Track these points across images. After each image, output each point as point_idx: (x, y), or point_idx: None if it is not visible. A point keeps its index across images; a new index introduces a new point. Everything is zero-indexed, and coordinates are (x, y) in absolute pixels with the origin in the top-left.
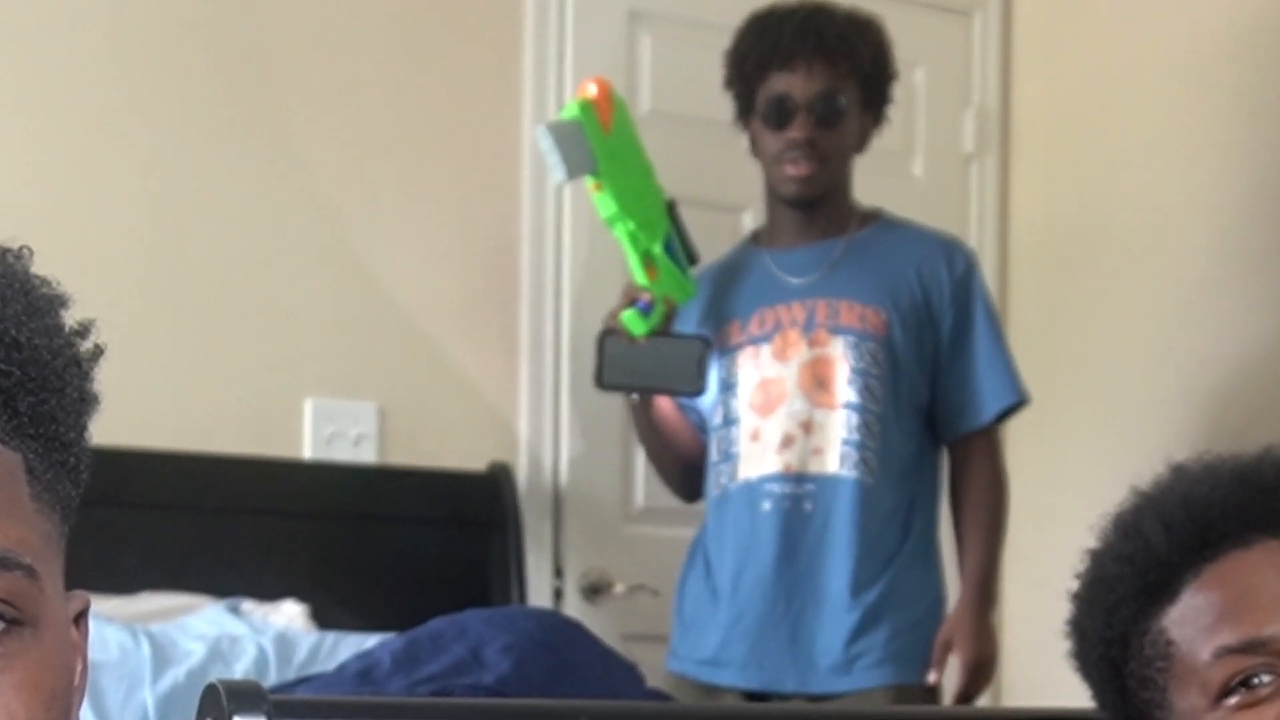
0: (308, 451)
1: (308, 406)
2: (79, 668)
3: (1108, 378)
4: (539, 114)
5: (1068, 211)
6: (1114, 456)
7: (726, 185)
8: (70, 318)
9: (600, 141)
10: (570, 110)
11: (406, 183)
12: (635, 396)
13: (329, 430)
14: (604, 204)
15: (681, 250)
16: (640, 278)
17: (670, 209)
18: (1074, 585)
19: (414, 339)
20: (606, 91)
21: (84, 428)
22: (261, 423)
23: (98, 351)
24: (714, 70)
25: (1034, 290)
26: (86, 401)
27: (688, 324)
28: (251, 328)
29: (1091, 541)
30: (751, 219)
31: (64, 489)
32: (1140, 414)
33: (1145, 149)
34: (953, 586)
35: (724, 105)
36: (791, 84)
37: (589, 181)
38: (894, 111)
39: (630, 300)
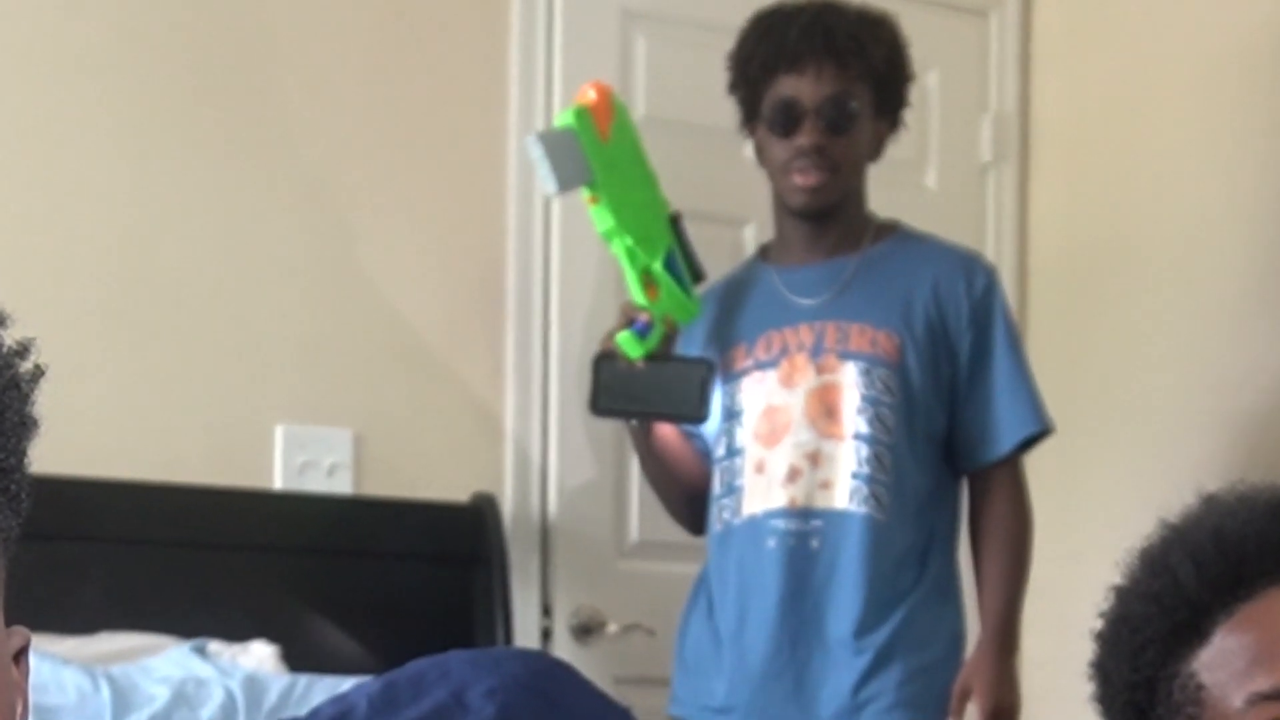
0: (278, 481)
1: (279, 433)
2: (19, 709)
3: (1136, 402)
4: (525, 123)
5: (1092, 224)
6: (1142, 486)
7: (728, 198)
8: (9, 336)
9: (597, 151)
10: (565, 118)
11: (383, 195)
12: (634, 422)
13: (301, 459)
14: (600, 218)
15: (685, 267)
16: (639, 296)
17: (674, 222)
18: (1098, 624)
19: (392, 361)
20: (606, 97)
21: (24, 453)
22: (229, 451)
23: (38, 372)
24: (715, 74)
25: (1055, 309)
26: (26, 425)
27: (690, 346)
28: (219, 348)
29: (1117, 578)
30: (754, 234)
31: (3, 518)
32: (1171, 441)
33: (1175, 156)
34: (973, 627)
35: (725, 111)
36: (799, 87)
37: (585, 194)
38: (907, 115)
39: (627, 320)
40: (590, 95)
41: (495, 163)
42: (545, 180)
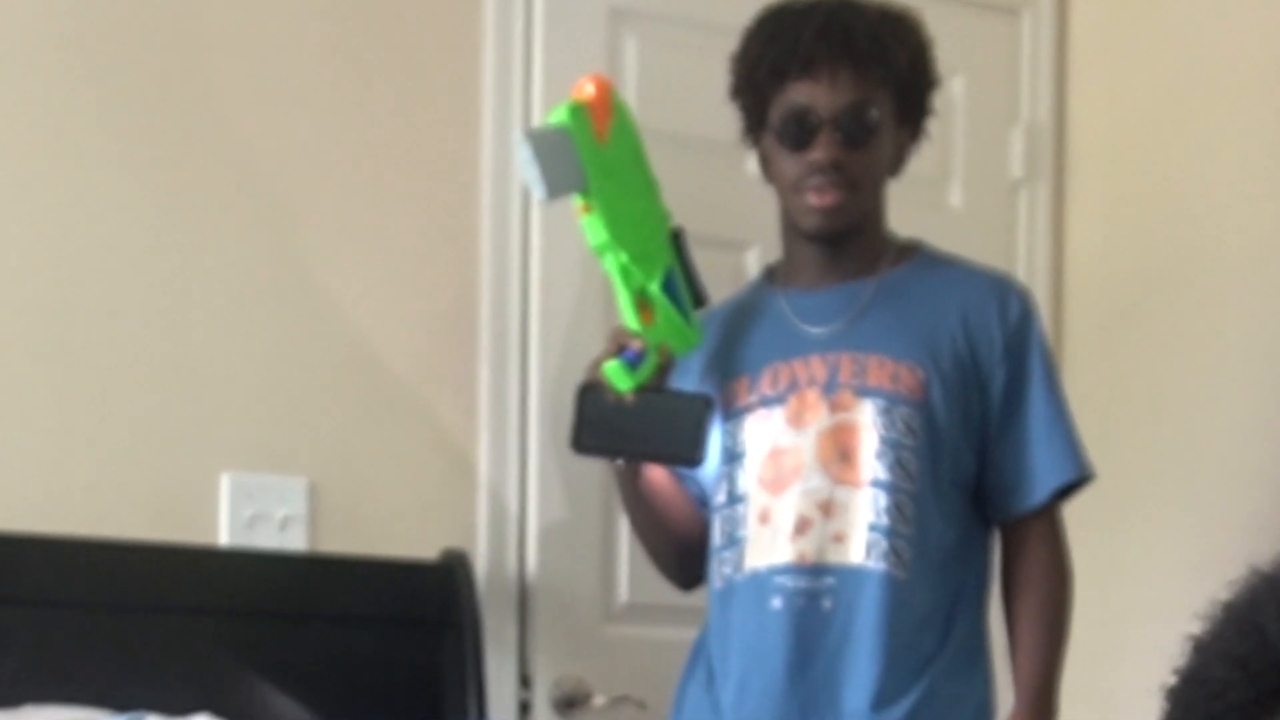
0: (224, 537)
1: (224, 483)
2: None
3: (1185, 445)
4: (501, 134)
5: (1134, 247)
6: (1193, 541)
7: (728, 218)
8: None
9: (593, 154)
10: (559, 115)
11: (341, 213)
12: (620, 462)
13: (250, 511)
14: (593, 229)
15: (686, 290)
16: (632, 321)
17: (676, 239)
18: (1170, 680)
19: (352, 402)
20: (605, 93)
21: None
22: (168, 502)
23: None
24: (715, 78)
25: (1094, 342)
26: None
27: (686, 379)
28: (156, 387)
29: (1194, 626)
30: (758, 259)
31: None
32: (1226, 488)
33: (1227, 172)
34: (1004, 696)
35: (726, 119)
36: (813, 94)
37: (577, 202)
38: (930, 126)
39: (617, 348)
40: (588, 90)
41: (467, 178)
42: (533, 185)
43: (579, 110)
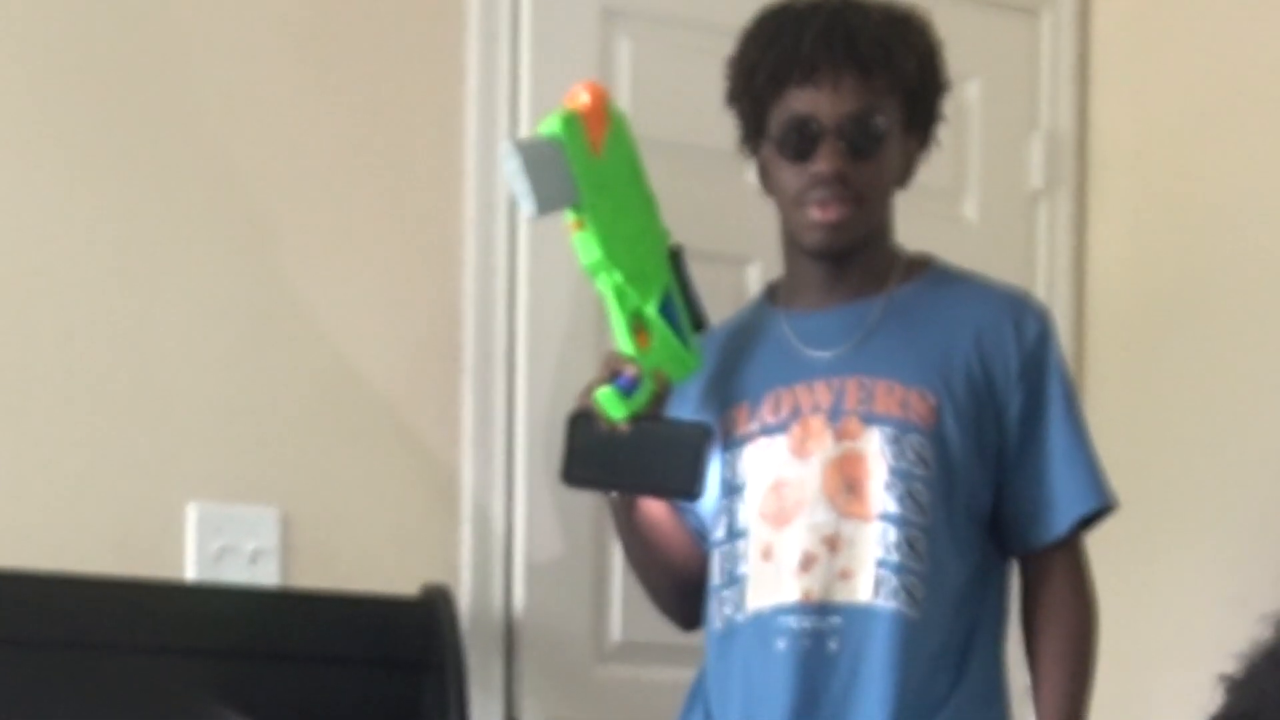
0: (191, 571)
1: (191, 513)
2: None
3: (1214, 473)
4: (485, 144)
5: (1161, 263)
6: (1226, 574)
7: (727, 232)
8: None
9: (586, 166)
10: (551, 125)
11: (314, 226)
12: (614, 494)
13: (218, 543)
14: (585, 247)
15: (684, 313)
16: (626, 345)
17: (675, 258)
18: None
19: (327, 428)
20: (601, 101)
21: None
22: (130, 534)
23: None
24: (713, 83)
25: (1118, 363)
26: None
27: (683, 407)
28: (118, 411)
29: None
30: (759, 275)
31: None
32: (1260, 520)
33: (1262, 182)
34: None
35: (725, 127)
36: (816, 102)
37: (568, 217)
38: (943, 133)
39: (611, 374)
40: (582, 98)
41: (449, 191)
42: (522, 199)
43: (572, 120)
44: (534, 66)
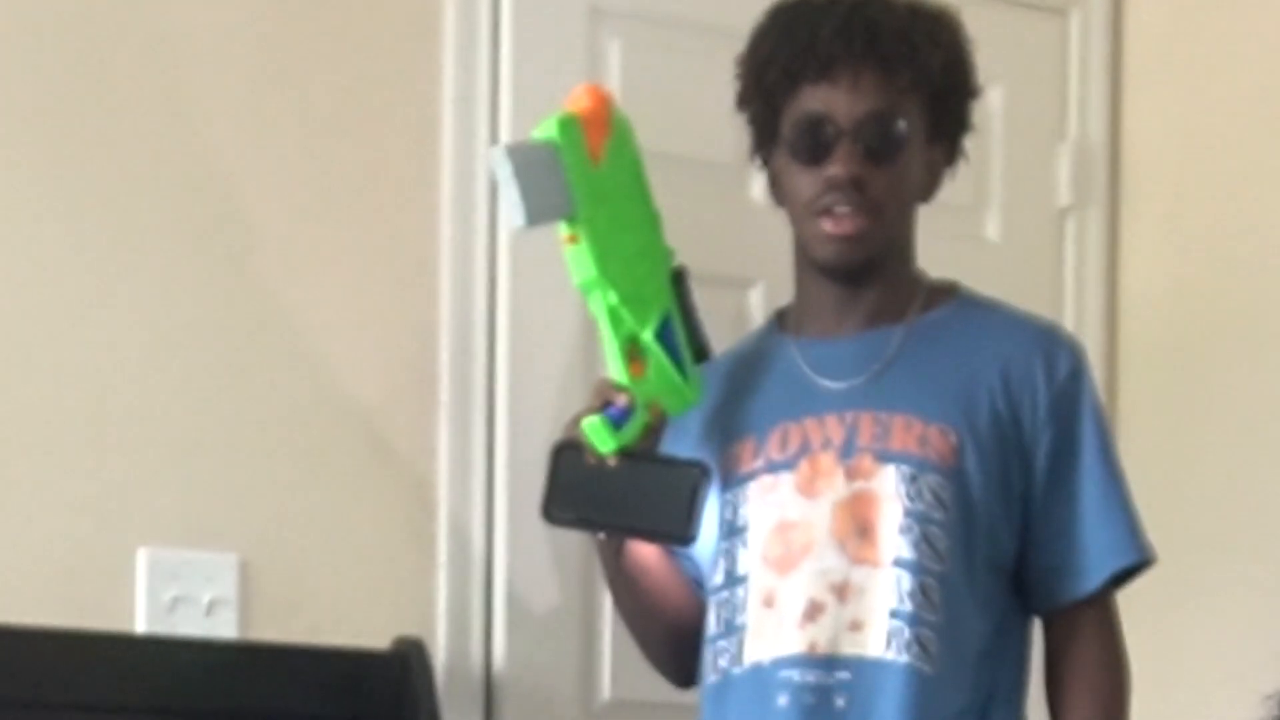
0: (141, 623)
1: (141, 560)
2: None
3: (1258, 522)
4: (463, 153)
5: (1200, 288)
6: (1269, 631)
7: (730, 250)
8: None
9: (584, 175)
10: (547, 128)
11: (275, 244)
12: (601, 535)
13: (171, 593)
14: (579, 264)
15: (685, 340)
16: (619, 373)
17: (677, 280)
18: None
19: (289, 466)
20: (603, 105)
21: None
22: (76, 583)
23: None
24: (713, 88)
25: (1154, 398)
26: None
27: (682, 440)
28: (62, 447)
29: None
30: (764, 299)
31: None
32: None
33: None
34: None
35: (726, 136)
36: (832, 100)
37: (562, 230)
38: (966, 146)
39: (601, 403)
40: (583, 101)
41: (423, 206)
42: (512, 209)
43: (570, 124)
44: (515, 71)
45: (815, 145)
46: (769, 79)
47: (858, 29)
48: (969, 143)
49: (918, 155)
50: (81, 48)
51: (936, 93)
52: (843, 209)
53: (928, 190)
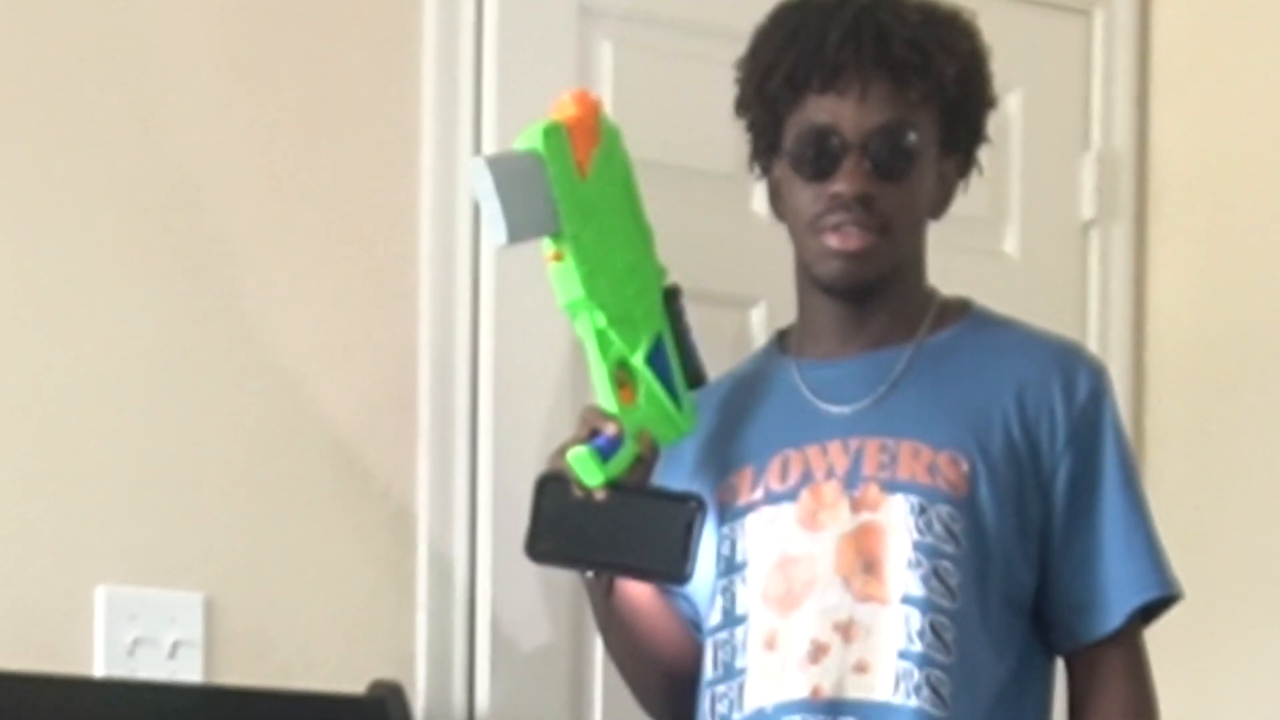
0: (100, 666)
1: (99, 599)
2: None
3: None
4: (443, 164)
5: (1232, 307)
6: None
7: (727, 268)
8: None
9: (570, 188)
10: (531, 137)
11: (242, 262)
12: (590, 574)
13: (132, 634)
14: (565, 283)
15: (678, 365)
16: (607, 400)
17: (669, 300)
18: None
19: (258, 499)
20: (591, 112)
21: None
22: (30, 623)
23: None
24: (711, 93)
25: (1183, 423)
26: None
27: (677, 473)
28: (14, 478)
29: None
30: (764, 318)
31: None
32: None
33: None
34: None
35: (725, 144)
36: (839, 112)
37: (547, 247)
38: (984, 157)
39: (589, 432)
40: (569, 109)
41: (401, 221)
42: (492, 224)
43: (556, 133)
44: (500, 76)
45: (821, 159)
46: (771, 86)
47: (867, 34)
48: (985, 153)
49: (930, 170)
50: (40, 51)
51: (951, 104)
52: (848, 226)
53: (939, 206)
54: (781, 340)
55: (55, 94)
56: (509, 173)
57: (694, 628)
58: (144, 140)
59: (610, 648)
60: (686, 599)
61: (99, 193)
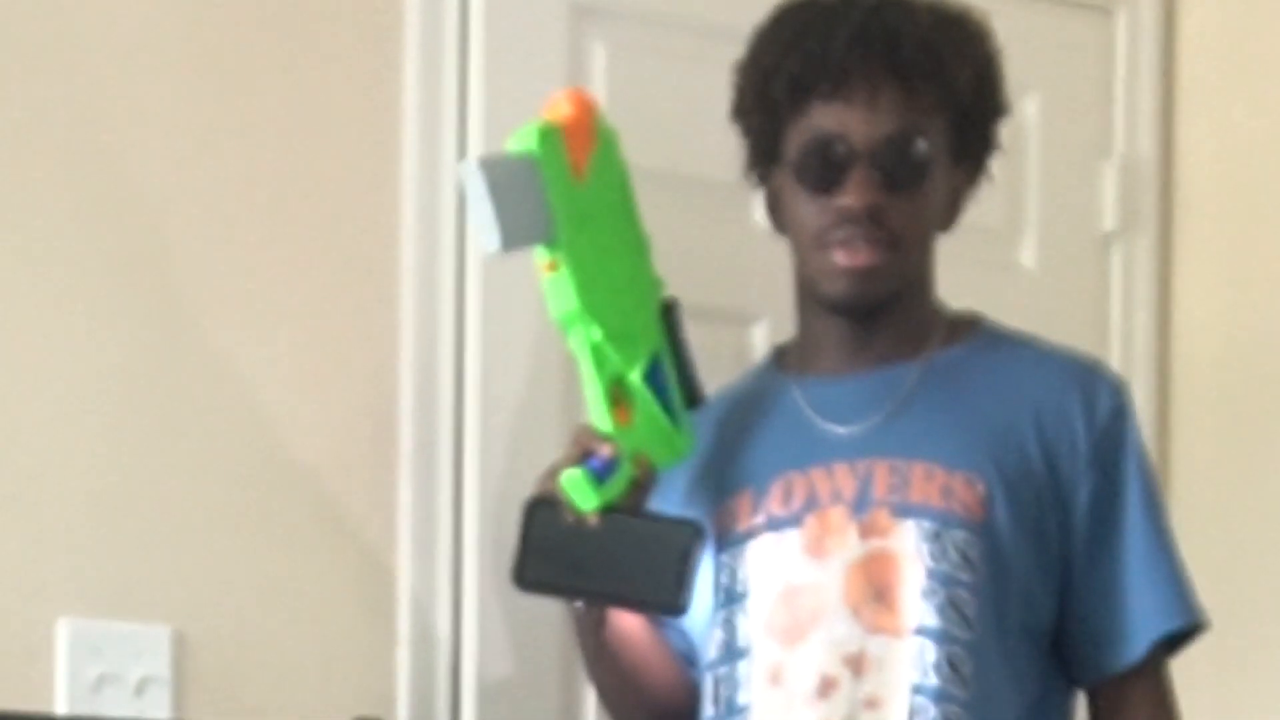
0: (62, 704)
1: (61, 632)
2: None
3: None
4: (426, 170)
5: (1262, 320)
6: None
7: (726, 282)
8: None
9: (565, 194)
10: (525, 139)
11: (214, 279)
12: (579, 604)
13: (96, 669)
14: (559, 294)
15: (676, 383)
16: (602, 420)
17: (668, 314)
18: None
19: (230, 528)
20: (587, 114)
21: None
22: None
23: None
24: (709, 96)
25: (1209, 443)
26: None
27: (671, 497)
28: None
29: None
30: (765, 335)
31: None
32: None
33: None
34: None
35: (724, 153)
36: (846, 120)
37: (541, 257)
38: (998, 164)
39: (582, 454)
40: (564, 109)
41: (384, 226)
42: (484, 232)
43: (551, 134)
44: (486, 77)
45: (826, 170)
46: (774, 92)
47: (876, 38)
48: (1001, 162)
49: (940, 181)
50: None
51: (963, 111)
52: (856, 241)
53: (950, 218)
54: (779, 357)
55: (15, 110)
56: (502, 176)
57: (686, 662)
58: (107, 153)
59: (598, 684)
60: (679, 631)
61: (61, 213)
